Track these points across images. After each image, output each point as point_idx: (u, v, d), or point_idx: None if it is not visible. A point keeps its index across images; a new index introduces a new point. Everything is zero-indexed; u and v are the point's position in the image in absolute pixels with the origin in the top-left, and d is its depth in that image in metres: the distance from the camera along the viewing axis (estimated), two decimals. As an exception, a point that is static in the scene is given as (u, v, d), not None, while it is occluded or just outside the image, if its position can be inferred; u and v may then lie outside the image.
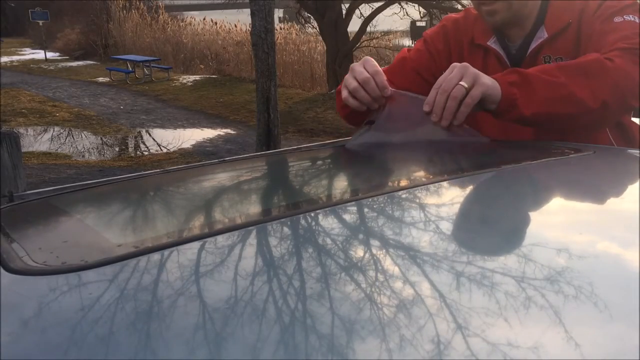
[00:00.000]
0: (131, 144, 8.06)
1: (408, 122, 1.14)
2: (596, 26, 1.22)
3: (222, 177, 1.13)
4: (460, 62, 1.29)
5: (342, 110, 1.30)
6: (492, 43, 1.33)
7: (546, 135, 1.24)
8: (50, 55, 18.36)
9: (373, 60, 1.19)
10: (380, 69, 1.16)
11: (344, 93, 1.15)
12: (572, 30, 1.25)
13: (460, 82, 1.05)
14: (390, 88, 1.14)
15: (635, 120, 1.35)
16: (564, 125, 1.16)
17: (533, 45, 1.27)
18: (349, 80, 1.15)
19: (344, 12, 11.18)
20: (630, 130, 1.31)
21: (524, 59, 1.28)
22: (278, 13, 19.59)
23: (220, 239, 0.65)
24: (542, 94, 1.09)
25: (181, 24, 17.33)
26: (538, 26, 1.28)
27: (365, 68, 1.15)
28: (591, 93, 1.09)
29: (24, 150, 5.35)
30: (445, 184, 0.86)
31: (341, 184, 1.03)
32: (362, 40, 11.49)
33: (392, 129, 1.15)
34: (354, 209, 0.77)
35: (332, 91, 10.41)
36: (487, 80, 1.07)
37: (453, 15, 1.47)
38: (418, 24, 12.83)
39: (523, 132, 1.24)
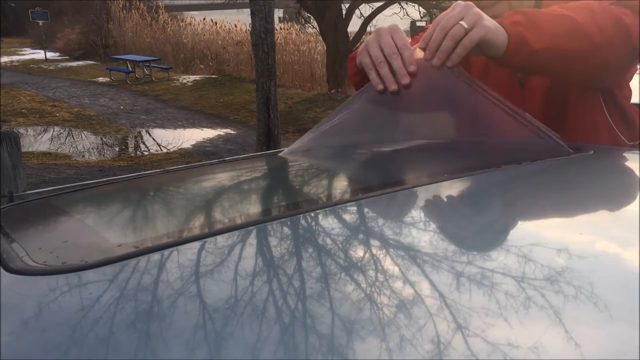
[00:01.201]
0: (131, 144, 8.07)
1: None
2: None
3: (222, 177, 1.13)
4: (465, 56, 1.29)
5: (353, 78, 1.23)
6: None
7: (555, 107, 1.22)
8: (50, 55, 18.36)
9: (401, 29, 1.09)
10: (408, 42, 1.07)
11: (367, 60, 1.07)
12: None
13: (461, 22, 1.00)
14: (415, 67, 1.04)
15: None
16: (574, 68, 1.12)
17: None
18: (374, 49, 1.06)
19: (344, 12, 11.18)
20: (631, 117, 1.31)
21: None
22: (278, 13, 19.60)
23: (220, 239, 0.65)
24: (549, 27, 1.06)
25: (181, 24, 17.33)
26: None
27: (393, 39, 1.06)
28: (597, 28, 1.07)
29: (24, 150, 5.35)
30: (445, 184, 0.86)
31: (341, 183, 1.03)
32: (362, 40, 11.45)
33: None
34: (354, 209, 0.77)
35: (332, 91, 10.42)
36: (489, 23, 1.02)
37: None
38: (418, 24, 12.83)
39: (530, 105, 1.21)
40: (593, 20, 1.08)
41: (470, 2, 1.03)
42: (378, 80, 1.05)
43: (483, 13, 1.03)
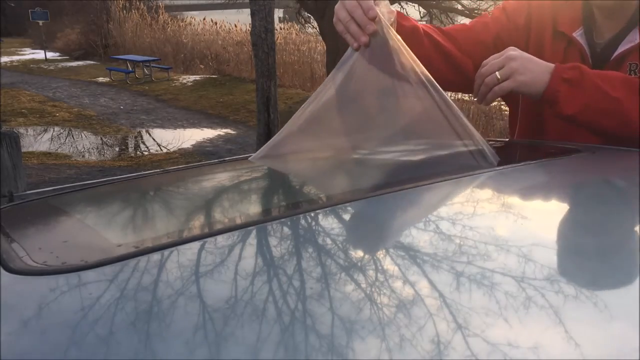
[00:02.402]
0: (131, 144, 8.07)
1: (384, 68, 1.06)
2: None
3: (222, 177, 1.13)
4: (538, 46, 1.24)
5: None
6: (578, 35, 1.23)
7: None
8: (50, 55, 18.35)
9: None
10: None
11: (340, 27, 1.08)
12: None
13: (496, 72, 1.11)
14: (376, 10, 1.04)
15: None
16: (609, 135, 1.13)
17: (621, 49, 1.19)
18: (341, 12, 1.07)
19: (344, 12, 11.15)
20: None
21: (608, 61, 1.20)
22: (278, 13, 19.58)
23: (220, 239, 0.65)
24: (590, 100, 1.08)
25: (181, 24, 17.32)
26: (631, 27, 1.18)
27: None
28: None
29: (24, 150, 5.35)
30: (445, 184, 0.86)
31: (341, 183, 1.03)
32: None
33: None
34: (354, 209, 0.77)
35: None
36: (525, 77, 1.10)
37: None
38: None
39: (589, 138, 1.17)
40: None
41: (516, 54, 1.11)
42: (352, 39, 1.06)
43: (522, 67, 1.10)
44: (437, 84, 1.00)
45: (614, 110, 1.08)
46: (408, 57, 1.01)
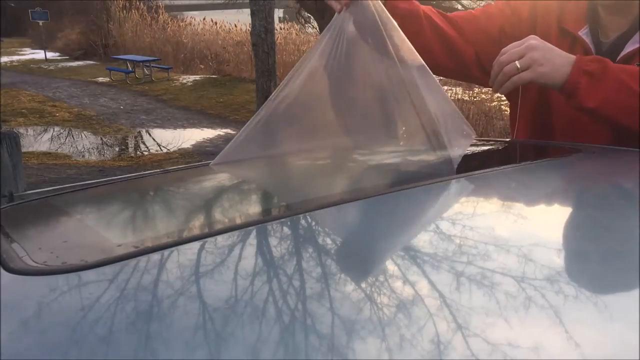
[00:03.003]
0: (131, 144, 8.07)
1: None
2: None
3: (222, 177, 1.13)
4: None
5: None
6: (583, 34, 1.22)
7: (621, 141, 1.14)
8: (50, 55, 18.35)
9: None
10: None
11: None
12: None
13: (516, 62, 1.07)
14: None
15: None
16: (620, 126, 1.11)
17: (628, 49, 1.17)
18: None
19: (344, 12, 11.14)
20: None
21: (614, 61, 1.15)
22: (278, 13, 19.57)
23: (220, 239, 0.65)
24: (611, 94, 1.06)
25: (181, 24, 17.32)
26: (637, 28, 1.17)
27: None
28: None
29: (24, 150, 5.35)
30: (445, 184, 0.86)
31: (341, 183, 1.03)
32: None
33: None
34: (354, 209, 0.77)
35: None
36: (545, 69, 1.07)
37: None
38: (418, 23, 12.76)
39: (597, 135, 1.16)
40: None
41: (537, 44, 1.07)
42: (335, 3, 1.08)
43: (543, 58, 1.06)
44: (408, 54, 1.01)
45: (636, 105, 1.05)
46: (386, 31, 1.01)
